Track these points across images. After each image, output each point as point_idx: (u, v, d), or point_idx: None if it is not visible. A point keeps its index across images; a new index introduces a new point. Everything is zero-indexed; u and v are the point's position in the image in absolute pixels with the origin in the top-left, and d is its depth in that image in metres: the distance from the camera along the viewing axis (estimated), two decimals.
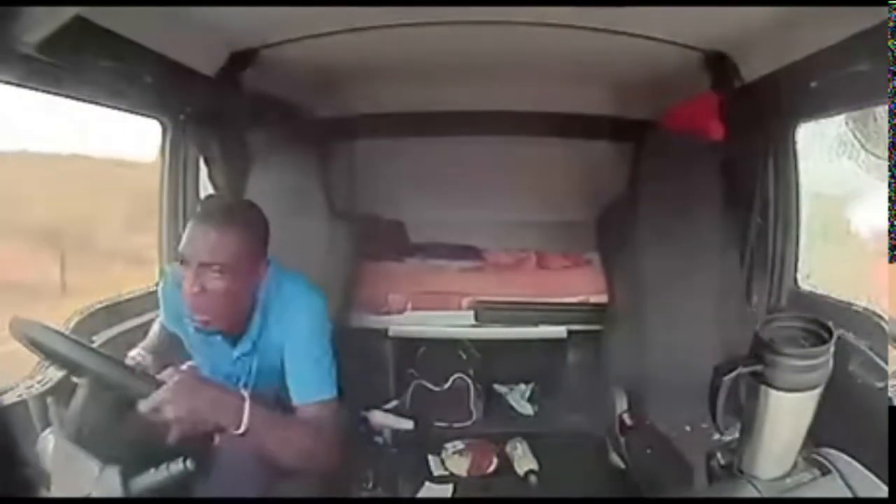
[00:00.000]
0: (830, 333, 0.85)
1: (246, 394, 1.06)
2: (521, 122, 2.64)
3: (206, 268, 1.13)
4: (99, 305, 1.59)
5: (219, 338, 1.27)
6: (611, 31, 1.71)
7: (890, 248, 1.12)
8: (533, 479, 1.90)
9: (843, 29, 1.27)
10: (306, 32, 1.76)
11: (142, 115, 1.75)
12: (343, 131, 2.69)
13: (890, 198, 1.14)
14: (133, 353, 1.34)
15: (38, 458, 0.99)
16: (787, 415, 0.86)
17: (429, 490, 1.89)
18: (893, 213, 1.12)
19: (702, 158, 1.83)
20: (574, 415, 2.23)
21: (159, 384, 0.99)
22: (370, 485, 1.78)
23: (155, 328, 1.46)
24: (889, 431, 0.97)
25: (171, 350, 1.41)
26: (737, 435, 0.93)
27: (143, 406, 0.94)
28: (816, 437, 0.89)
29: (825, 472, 0.87)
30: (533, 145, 2.74)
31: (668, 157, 1.81)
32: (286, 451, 1.10)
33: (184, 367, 1.45)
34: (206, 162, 1.93)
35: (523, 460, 1.99)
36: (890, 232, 1.11)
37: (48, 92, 1.30)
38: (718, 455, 0.98)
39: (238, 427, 1.01)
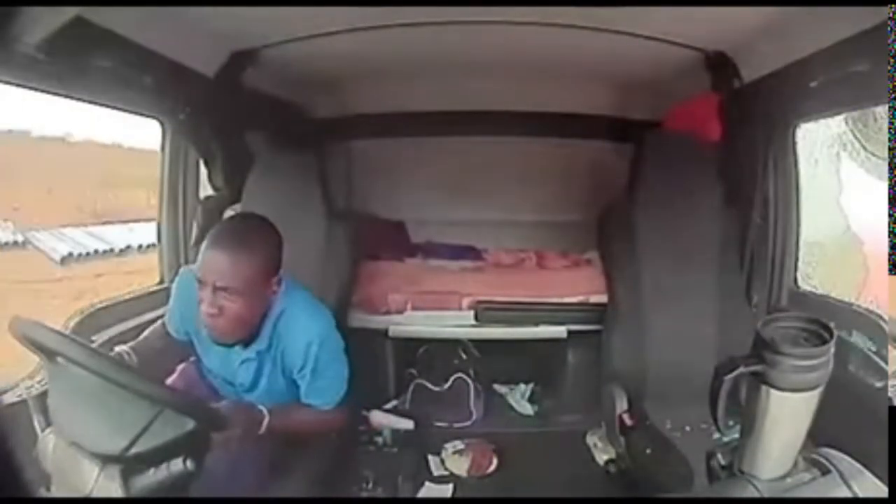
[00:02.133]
0: (831, 333, 0.85)
1: (265, 410, 1.22)
2: (521, 122, 2.64)
3: (222, 291, 1.19)
4: (99, 305, 1.59)
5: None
6: (612, 31, 1.71)
7: (890, 261, 1.12)
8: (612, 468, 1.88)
9: (843, 29, 1.27)
10: (306, 32, 1.76)
11: (142, 115, 1.75)
12: (343, 131, 2.69)
13: (890, 198, 1.14)
14: (119, 348, 1.33)
15: (38, 458, 0.99)
16: (788, 415, 0.86)
17: (429, 490, 1.88)
18: (894, 217, 1.12)
19: (702, 158, 1.83)
20: (574, 415, 2.23)
21: (158, 383, 1.01)
22: (370, 485, 1.78)
23: (149, 333, 1.45)
24: (889, 431, 0.97)
25: (161, 355, 1.42)
26: (737, 435, 0.93)
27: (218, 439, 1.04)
28: (816, 437, 0.89)
29: (825, 472, 0.87)
30: (533, 145, 2.74)
31: (669, 157, 1.81)
32: (298, 433, 1.34)
33: (182, 366, 1.46)
34: (206, 162, 1.93)
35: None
36: (891, 240, 1.11)
37: (48, 92, 1.30)
38: (718, 455, 0.98)
39: (259, 430, 1.20)
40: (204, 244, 1.23)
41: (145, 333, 1.44)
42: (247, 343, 1.33)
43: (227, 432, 1.08)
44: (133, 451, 0.90)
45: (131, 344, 1.36)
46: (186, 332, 1.42)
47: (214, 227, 1.33)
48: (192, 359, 1.50)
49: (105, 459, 0.91)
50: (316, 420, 1.37)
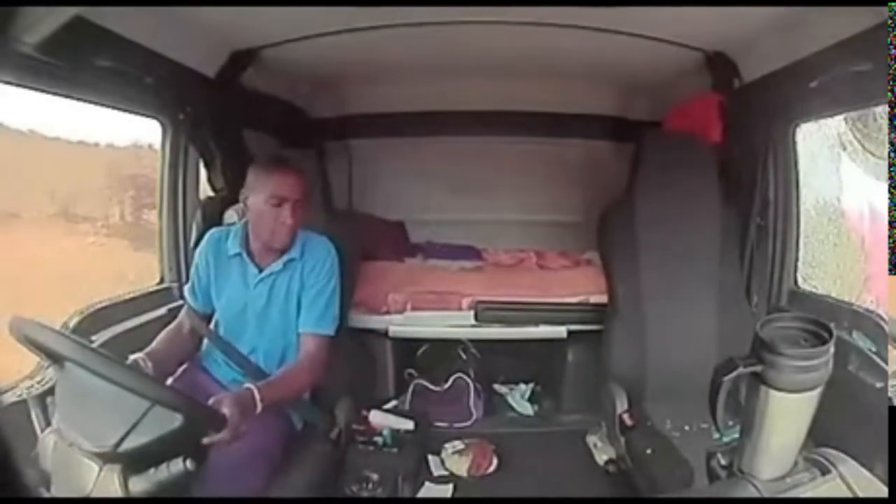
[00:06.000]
0: (830, 333, 0.85)
1: (252, 386, 1.24)
2: (521, 122, 2.64)
3: (298, 203, 1.44)
4: (99, 305, 1.59)
5: (250, 265, 1.50)
6: (612, 32, 1.71)
7: (890, 261, 1.12)
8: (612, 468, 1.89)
9: (843, 29, 1.27)
10: (306, 32, 1.76)
11: (142, 114, 1.75)
12: (343, 131, 2.69)
13: (890, 199, 1.14)
14: (134, 356, 1.34)
15: (38, 458, 0.99)
16: (787, 415, 0.86)
17: (429, 490, 1.88)
18: (893, 217, 1.12)
19: (702, 158, 1.83)
20: (574, 415, 2.23)
21: (158, 382, 1.02)
22: (370, 485, 1.78)
23: (159, 339, 1.46)
24: (889, 431, 0.97)
25: (177, 352, 1.46)
26: (737, 435, 0.93)
27: (208, 441, 1.03)
28: (816, 437, 0.89)
29: (825, 472, 0.87)
30: (533, 145, 2.74)
31: (669, 157, 1.81)
32: (291, 395, 1.42)
33: (184, 367, 1.47)
34: (206, 162, 1.93)
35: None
36: (891, 241, 1.11)
37: (48, 92, 1.30)
38: (718, 455, 0.98)
39: (256, 409, 1.20)
40: (268, 169, 1.45)
41: (155, 342, 1.45)
42: (268, 263, 1.50)
43: (229, 419, 1.07)
44: (123, 447, 0.90)
45: (146, 350, 1.37)
46: (207, 291, 1.52)
47: (263, 156, 1.65)
48: (194, 359, 1.51)
49: (100, 457, 0.91)
50: (302, 378, 1.45)
